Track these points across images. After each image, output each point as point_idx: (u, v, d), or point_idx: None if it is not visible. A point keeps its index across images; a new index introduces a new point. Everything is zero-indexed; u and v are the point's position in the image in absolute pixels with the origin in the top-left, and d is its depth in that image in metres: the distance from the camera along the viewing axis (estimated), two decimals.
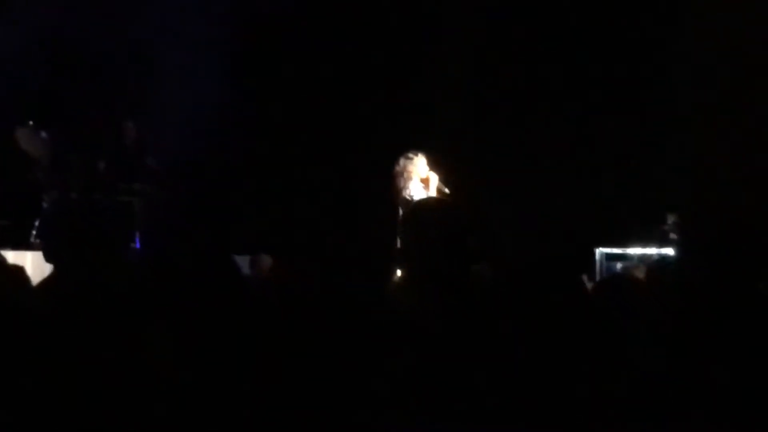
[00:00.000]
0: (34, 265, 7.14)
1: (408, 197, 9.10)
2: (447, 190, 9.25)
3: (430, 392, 2.99)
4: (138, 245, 9.89)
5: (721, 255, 3.19)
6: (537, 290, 3.41)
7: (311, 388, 3.00)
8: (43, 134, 10.55)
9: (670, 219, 10.07)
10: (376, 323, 3.14)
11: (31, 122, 10.50)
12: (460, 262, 3.20)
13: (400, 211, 9.02)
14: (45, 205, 10.09)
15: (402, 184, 9.22)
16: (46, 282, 3.65)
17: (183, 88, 10.88)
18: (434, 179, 9.31)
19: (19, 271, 4.43)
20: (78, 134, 11.09)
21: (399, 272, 8.00)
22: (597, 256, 9.84)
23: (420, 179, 9.30)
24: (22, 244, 9.51)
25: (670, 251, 9.54)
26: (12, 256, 7.71)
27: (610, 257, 9.86)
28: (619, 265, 9.71)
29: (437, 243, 3.22)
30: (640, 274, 4.99)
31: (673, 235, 9.72)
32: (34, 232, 9.82)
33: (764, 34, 10.29)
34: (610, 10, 11.27)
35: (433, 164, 9.44)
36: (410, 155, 9.38)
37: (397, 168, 9.37)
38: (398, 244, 3.54)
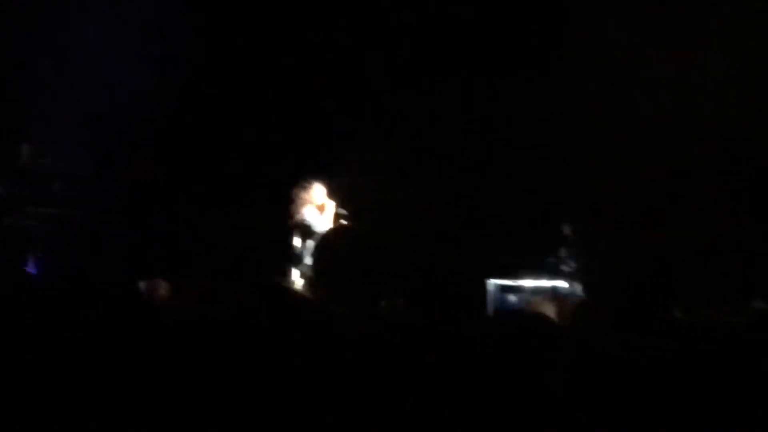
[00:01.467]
0: None
1: (302, 222, 9.85)
2: (345, 212, 9.79)
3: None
4: (34, 269, 9.76)
5: (632, 287, 3.22)
6: (445, 321, 3.43)
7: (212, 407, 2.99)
8: None
9: (562, 251, 10.16)
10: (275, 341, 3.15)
11: None
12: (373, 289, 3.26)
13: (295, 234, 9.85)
14: None
15: (295, 210, 9.88)
16: None
17: (87, 114, 10.74)
18: (330, 205, 9.78)
19: None
20: None
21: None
22: (490, 288, 9.88)
23: (315, 206, 9.76)
24: None
25: (563, 283, 9.65)
26: None
27: (503, 289, 9.90)
28: (512, 297, 9.77)
29: (348, 268, 3.29)
30: (542, 306, 5.02)
31: (565, 267, 9.82)
32: None
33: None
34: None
35: (332, 193, 9.78)
36: (304, 183, 10.00)
37: (292, 195, 9.77)
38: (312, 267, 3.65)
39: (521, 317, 3.63)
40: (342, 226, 6.85)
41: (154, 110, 11.32)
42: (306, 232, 9.82)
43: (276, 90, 11.63)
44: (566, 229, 10.04)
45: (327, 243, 3.53)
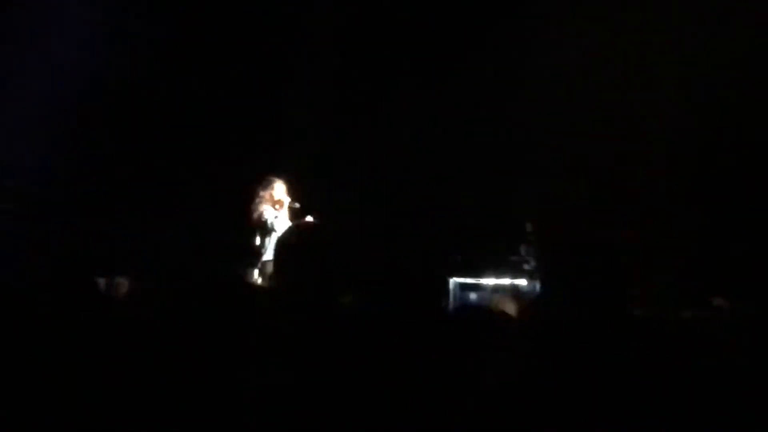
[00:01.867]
0: None
1: (262, 219, 9.88)
2: (298, 205, 9.86)
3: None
4: None
5: (588, 284, 3.22)
6: (397, 318, 3.42)
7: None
8: None
9: (523, 249, 10.17)
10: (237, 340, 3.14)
11: None
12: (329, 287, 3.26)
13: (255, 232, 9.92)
14: None
15: (255, 207, 9.92)
16: None
17: (36, 105, 10.61)
18: (287, 201, 9.78)
19: None
20: None
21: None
22: (450, 286, 9.88)
23: (274, 203, 9.74)
24: None
25: (523, 282, 9.66)
26: None
27: (464, 287, 9.91)
28: (473, 295, 9.78)
29: (310, 264, 3.29)
30: (502, 304, 5.02)
31: (526, 266, 9.83)
32: None
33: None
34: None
35: (291, 189, 9.91)
36: (263, 181, 10.05)
37: (253, 193, 9.73)
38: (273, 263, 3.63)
39: (481, 314, 3.63)
40: (304, 222, 6.92)
41: (112, 105, 11.26)
42: (265, 229, 9.82)
43: (234, 87, 11.58)
44: (527, 227, 10.04)
45: (288, 239, 3.51)
